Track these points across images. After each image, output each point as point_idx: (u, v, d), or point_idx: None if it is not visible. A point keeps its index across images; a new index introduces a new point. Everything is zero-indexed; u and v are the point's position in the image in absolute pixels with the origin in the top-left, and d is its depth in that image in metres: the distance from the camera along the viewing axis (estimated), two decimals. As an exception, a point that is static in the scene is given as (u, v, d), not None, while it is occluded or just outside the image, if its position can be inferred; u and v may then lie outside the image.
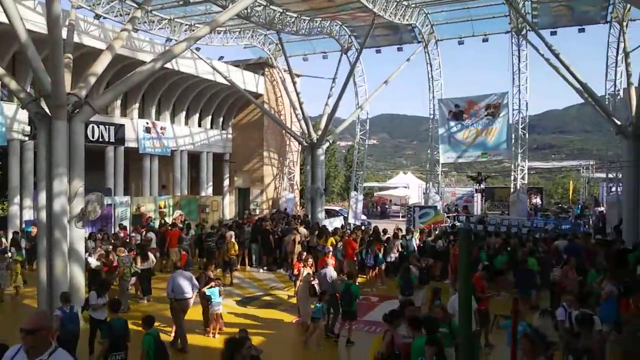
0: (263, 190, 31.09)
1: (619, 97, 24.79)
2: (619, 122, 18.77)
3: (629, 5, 21.54)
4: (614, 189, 24.96)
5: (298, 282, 12.33)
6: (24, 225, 19.01)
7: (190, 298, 10.47)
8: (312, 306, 10.63)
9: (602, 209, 31.28)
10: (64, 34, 12.88)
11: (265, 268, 18.49)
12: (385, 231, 18.75)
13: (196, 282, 10.73)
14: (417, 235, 19.08)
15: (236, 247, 16.43)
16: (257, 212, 29.70)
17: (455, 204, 36.03)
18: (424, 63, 29.39)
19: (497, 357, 9.60)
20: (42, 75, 11.34)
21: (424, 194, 33.32)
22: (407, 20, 24.53)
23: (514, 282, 13.63)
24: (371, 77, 31.15)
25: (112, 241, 16.19)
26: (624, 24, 22.41)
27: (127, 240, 16.52)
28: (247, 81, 29.81)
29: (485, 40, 27.15)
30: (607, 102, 23.56)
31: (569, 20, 25.50)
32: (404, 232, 19.48)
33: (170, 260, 16.16)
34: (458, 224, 24.68)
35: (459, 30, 27.60)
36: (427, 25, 27.45)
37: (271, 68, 31.16)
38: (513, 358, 4.94)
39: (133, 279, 13.32)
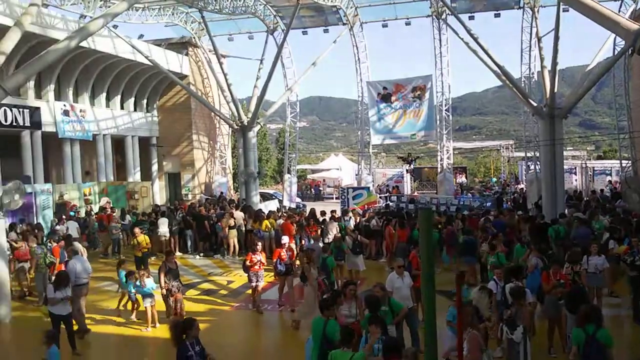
0: (194, 175, 30.19)
1: (533, 80, 26.16)
2: (534, 104, 19.68)
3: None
4: (532, 167, 26.34)
5: (253, 272, 11.66)
6: None
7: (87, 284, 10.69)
8: None
9: (522, 186, 33.22)
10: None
11: (201, 254, 18.04)
12: (323, 213, 18.78)
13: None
14: (353, 217, 19.28)
15: (147, 239, 15.11)
16: (190, 197, 28.88)
17: (387, 184, 36.83)
18: (351, 45, 29.56)
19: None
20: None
21: (356, 175, 33.78)
22: (331, 1, 24.41)
23: (460, 253, 14.00)
24: (299, 59, 30.92)
25: (36, 232, 15.32)
26: (535, 9, 23.54)
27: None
28: (170, 61, 28.53)
29: (407, 23, 27.70)
30: (523, 85, 24.68)
31: (485, 5, 26.54)
32: (339, 215, 19.59)
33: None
34: (391, 203, 25.23)
35: (383, 13, 28.00)
36: (351, 7, 27.51)
37: (195, 48, 30.01)
38: (459, 328, 5.03)
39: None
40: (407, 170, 31.30)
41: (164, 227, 18.06)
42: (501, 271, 9.34)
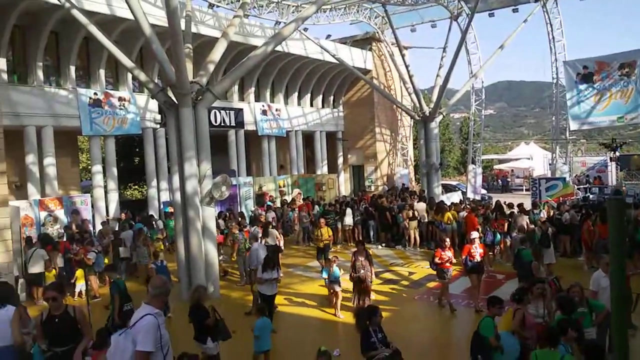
0: (377, 167, 30.97)
1: None
2: None
3: None
4: None
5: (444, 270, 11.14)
6: (161, 206, 20.78)
7: None
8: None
9: None
10: (183, 25, 13.63)
11: (383, 244, 18.47)
12: (510, 205, 17.75)
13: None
14: (544, 210, 17.83)
15: (330, 232, 15.49)
16: (372, 188, 29.72)
17: (586, 174, 33.05)
18: (544, 24, 27.13)
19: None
20: (167, 66, 12.13)
21: (549, 165, 31.23)
22: (522, -23, 22.68)
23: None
24: (485, 44, 29.52)
25: (239, 219, 17.18)
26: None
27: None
28: (355, 58, 29.64)
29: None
30: None
31: None
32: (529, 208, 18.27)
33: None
34: (591, 196, 22.67)
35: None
36: (545, -18, 25.22)
37: (378, 42, 30.67)
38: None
39: None
40: (611, 158, 27.72)
41: (348, 217, 18.91)
42: None
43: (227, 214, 19.14)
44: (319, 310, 11.38)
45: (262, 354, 7.84)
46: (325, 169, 29.96)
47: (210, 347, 7.32)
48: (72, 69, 18.69)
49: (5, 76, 16.86)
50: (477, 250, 11.19)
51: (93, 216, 18.36)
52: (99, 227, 17.05)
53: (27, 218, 15.10)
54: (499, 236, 15.38)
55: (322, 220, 15.69)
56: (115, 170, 20.04)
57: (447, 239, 11.95)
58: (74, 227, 15.89)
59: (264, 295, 9.87)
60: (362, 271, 10.68)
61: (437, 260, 11.17)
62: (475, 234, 11.73)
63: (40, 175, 17.71)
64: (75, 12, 12.57)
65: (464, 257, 11.31)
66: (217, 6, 21.58)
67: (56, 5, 15.18)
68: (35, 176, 17.49)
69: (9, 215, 12.23)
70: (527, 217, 16.18)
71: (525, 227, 14.33)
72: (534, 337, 6.74)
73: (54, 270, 12.69)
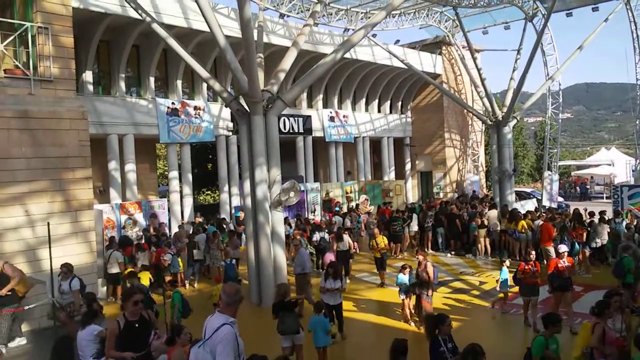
0: (446, 173, 30.35)
1: None
2: None
3: None
4: None
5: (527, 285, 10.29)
6: (233, 211, 21.45)
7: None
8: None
9: None
10: (255, 35, 14.00)
11: (452, 252, 18.05)
12: (592, 214, 16.83)
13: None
14: (627, 219, 16.76)
15: (385, 241, 14.86)
16: (441, 195, 29.13)
17: (676, 181, 30.71)
18: (626, 21, 25.55)
19: None
20: (240, 76, 12.53)
21: (633, 171, 29.23)
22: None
23: None
24: (561, 44, 28.17)
25: (308, 224, 17.43)
26: None
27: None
28: (424, 62, 29.25)
29: None
30: None
31: None
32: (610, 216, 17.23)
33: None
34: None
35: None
36: (629, -23, 23.79)
37: (448, 46, 30.12)
38: None
39: None
40: None
41: (414, 223, 18.68)
42: None
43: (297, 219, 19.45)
44: (388, 317, 11.29)
45: (319, 349, 8.33)
46: (392, 175, 29.72)
47: (299, 336, 8.08)
48: (152, 80, 19.75)
49: (91, 88, 18.12)
50: (566, 265, 10.26)
51: (169, 220, 19.25)
52: (174, 230, 17.84)
53: (109, 221, 16.01)
54: (577, 246, 14.61)
55: (376, 230, 15.16)
56: (190, 176, 20.92)
57: (533, 252, 10.94)
58: (151, 230, 16.71)
59: (326, 304, 9.61)
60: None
61: (520, 275, 10.32)
62: (564, 247, 10.85)
63: (121, 181, 18.81)
64: (155, 25, 13.27)
65: (549, 272, 10.32)
66: (288, 16, 22.07)
67: (138, 20, 16.12)
68: (117, 181, 18.60)
69: (94, 218, 13.06)
70: (609, 226, 15.25)
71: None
72: (614, 353, 6.36)
73: (147, 273, 13.05)
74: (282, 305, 8.17)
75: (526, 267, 10.30)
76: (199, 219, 19.50)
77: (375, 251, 14.31)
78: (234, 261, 13.53)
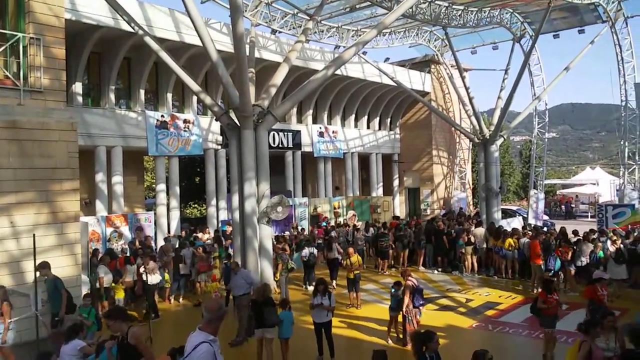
0: (433, 190, 30.54)
1: None
2: None
3: None
4: None
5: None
6: (220, 225, 21.33)
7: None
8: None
9: None
10: (247, 50, 14.07)
11: (439, 269, 18.11)
12: (575, 232, 17.07)
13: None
14: (612, 237, 16.96)
15: (360, 259, 14.35)
16: (428, 212, 29.28)
17: (658, 201, 31.19)
18: (612, 44, 26.17)
19: None
20: (231, 90, 12.62)
21: (617, 190, 29.70)
22: (588, -1, 22.03)
23: None
24: (548, 65, 28.78)
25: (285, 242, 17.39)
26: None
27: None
28: (414, 80, 29.61)
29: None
30: None
31: None
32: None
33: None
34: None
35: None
36: (613, 2, 24.36)
37: (437, 65, 30.55)
38: None
39: None
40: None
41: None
42: None
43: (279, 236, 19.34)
44: (375, 335, 11.27)
45: (283, 340, 9.23)
46: (380, 191, 29.84)
47: (272, 330, 8.98)
48: (142, 92, 19.73)
49: (80, 99, 18.04)
50: (605, 293, 9.69)
51: (155, 233, 19.10)
52: (160, 243, 17.69)
53: (94, 233, 15.88)
54: (559, 262, 14.75)
55: (351, 249, 14.25)
56: (177, 189, 20.81)
57: (555, 279, 10.45)
58: (137, 243, 16.56)
59: (314, 322, 9.57)
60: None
61: (542, 304, 9.29)
62: (602, 274, 10.27)
63: (107, 193, 18.65)
64: (147, 38, 13.31)
65: (588, 300, 9.68)
66: (280, 32, 22.26)
67: (130, 33, 16.14)
68: (103, 193, 18.44)
69: (79, 230, 12.93)
70: (593, 244, 15.45)
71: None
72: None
73: (121, 286, 13.03)
74: (265, 302, 9.06)
75: (549, 297, 9.31)
76: (185, 233, 19.29)
77: (349, 272, 13.40)
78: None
